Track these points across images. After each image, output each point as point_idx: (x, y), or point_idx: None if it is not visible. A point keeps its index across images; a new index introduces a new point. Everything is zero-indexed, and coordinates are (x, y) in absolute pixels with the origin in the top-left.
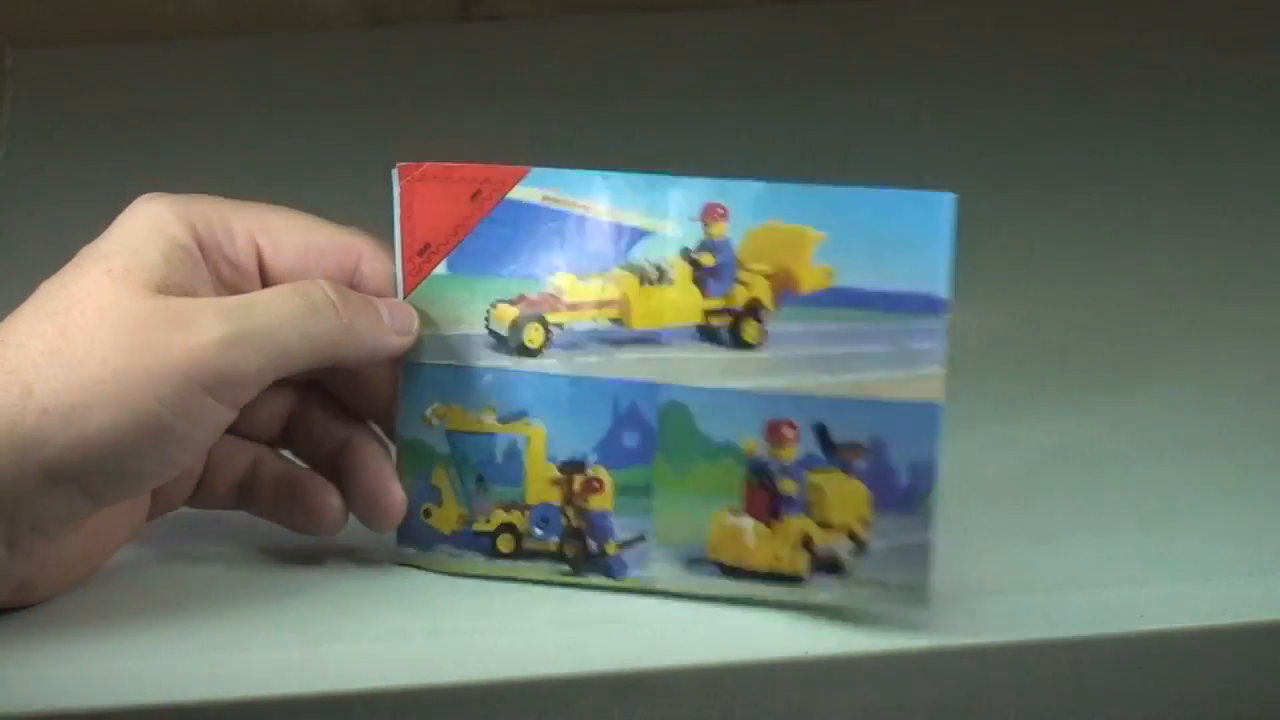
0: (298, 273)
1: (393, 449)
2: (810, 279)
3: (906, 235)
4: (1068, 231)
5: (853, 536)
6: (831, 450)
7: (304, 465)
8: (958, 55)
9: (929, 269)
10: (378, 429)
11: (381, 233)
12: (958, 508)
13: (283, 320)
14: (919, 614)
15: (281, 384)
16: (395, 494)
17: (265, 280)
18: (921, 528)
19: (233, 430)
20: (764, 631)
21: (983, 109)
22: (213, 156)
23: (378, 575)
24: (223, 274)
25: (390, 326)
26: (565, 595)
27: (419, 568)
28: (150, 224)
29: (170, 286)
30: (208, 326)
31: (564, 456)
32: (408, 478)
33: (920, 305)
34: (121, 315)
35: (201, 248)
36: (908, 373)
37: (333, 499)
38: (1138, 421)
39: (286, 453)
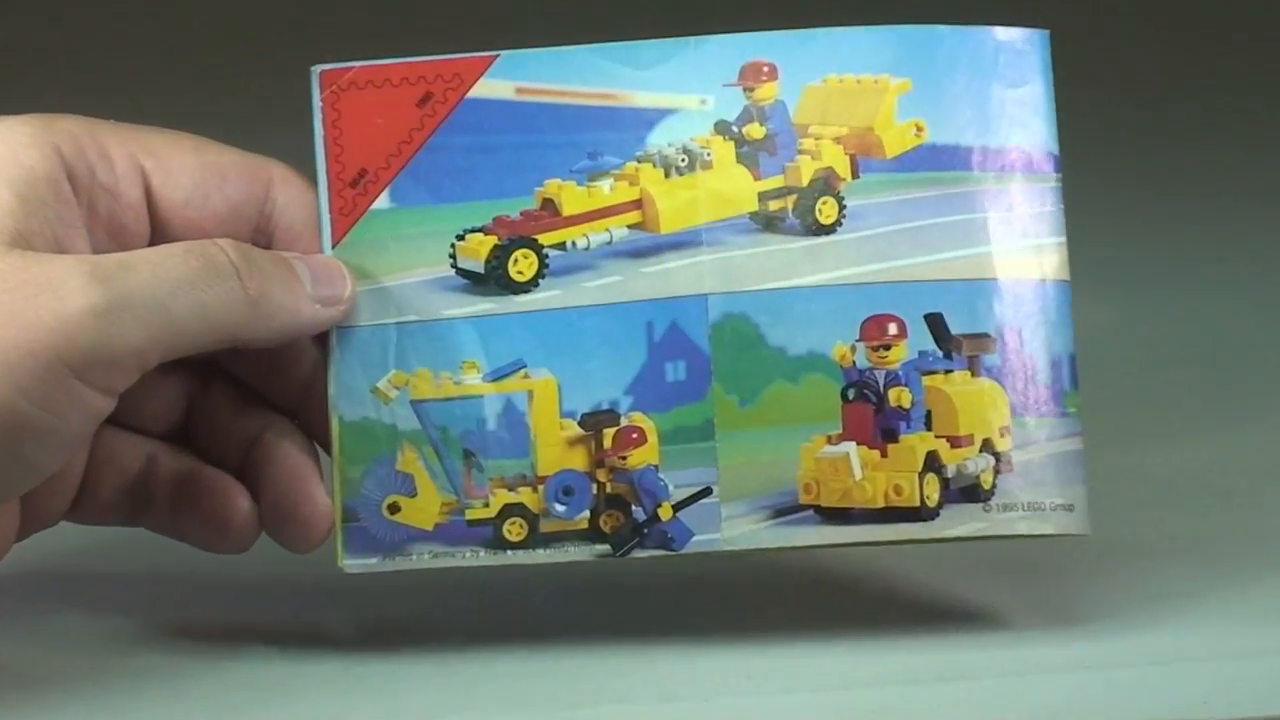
0: (195, 203)
1: (315, 446)
2: (896, 138)
3: (1000, 80)
4: (1204, 220)
5: (990, 450)
6: (950, 345)
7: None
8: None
9: (1031, 119)
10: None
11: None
12: (1058, 547)
13: (173, 287)
14: (1077, 536)
15: (177, 364)
16: (318, 502)
17: (155, 214)
18: (1071, 430)
19: (118, 421)
20: None
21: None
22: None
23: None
24: (99, 209)
25: (312, 295)
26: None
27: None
28: (2, 153)
29: (29, 236)
30: (76, 292)
31: (586, 407)
32: (353, 469)
33: (1027, 163)
34: None
35: (71, 178)
36: (1024, 243)
37: (239, 500)
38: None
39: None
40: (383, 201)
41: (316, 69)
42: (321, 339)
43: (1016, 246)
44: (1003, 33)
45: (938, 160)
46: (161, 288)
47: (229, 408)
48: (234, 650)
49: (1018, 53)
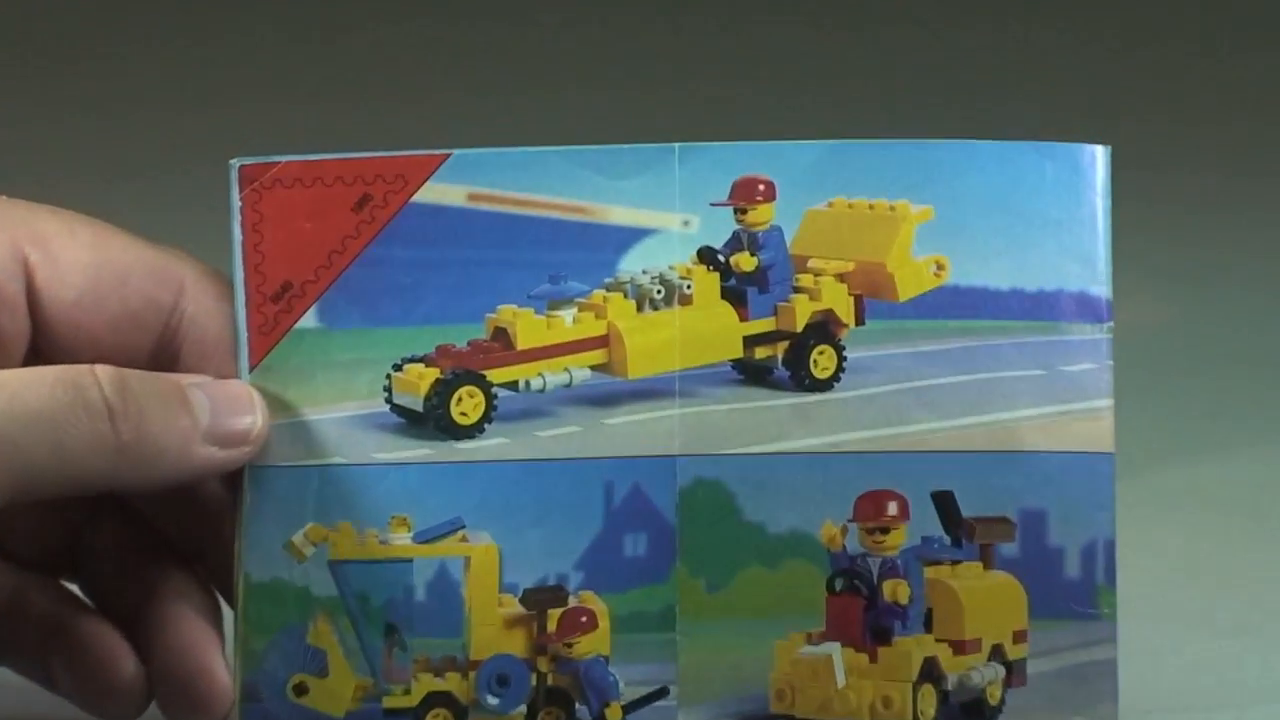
0: (86, 305)
1: (222, 602)
2: (912, 277)
3: (1043, 208)
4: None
5: (1001, 658)
6: (961, 530)
7: (91, 605)
8: None
9: (1079, 255)
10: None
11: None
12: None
13: (28, 423)
14: None
15: None
16: (217, 678)
17: (37, 314)
18: (1103, 635)
19: None
20: None
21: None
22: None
23: None
24: None
25: (207, 433)
26: None
27: None
28: None
29: None
30: None
31: (529, 581)
32: (257, 640)
33: (1072, 309)
34: None
35: None
36: (1060, 408)
37: (124, 664)
38: None
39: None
40: (309, 320)
41: (235, 163)
42: (231, 477)
43: (1050, 412)
44: (1050, 149)
45: (960, 305)
46: (13, 423)
47: (120, 544)
48: None
49: (1068, 174)
